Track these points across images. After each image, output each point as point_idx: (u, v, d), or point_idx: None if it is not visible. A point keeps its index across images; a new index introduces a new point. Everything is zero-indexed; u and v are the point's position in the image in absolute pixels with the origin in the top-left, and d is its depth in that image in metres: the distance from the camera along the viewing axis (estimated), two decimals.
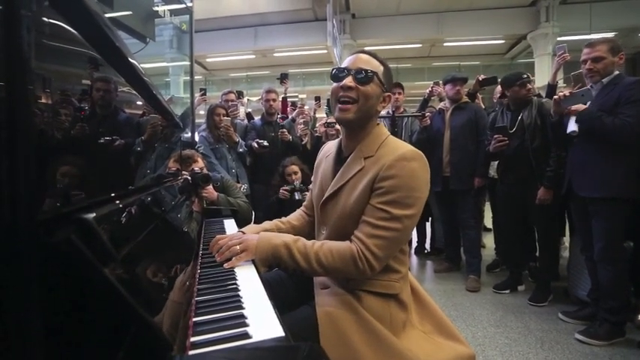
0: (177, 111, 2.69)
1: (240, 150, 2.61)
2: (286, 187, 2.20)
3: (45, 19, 0.43)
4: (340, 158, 0.94)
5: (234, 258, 0.83)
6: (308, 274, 0.86)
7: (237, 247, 0.84)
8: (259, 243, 0.84)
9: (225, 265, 0.81)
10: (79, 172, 0.55)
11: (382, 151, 0.85)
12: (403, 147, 0.85)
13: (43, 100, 0.44)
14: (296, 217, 1.13)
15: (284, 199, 2.22)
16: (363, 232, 0.81)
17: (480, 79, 2.77)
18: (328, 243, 0.84)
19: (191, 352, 0.49)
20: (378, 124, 0.92)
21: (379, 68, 0.88)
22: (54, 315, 0.37)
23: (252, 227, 1.05)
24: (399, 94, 2.96)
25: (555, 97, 1.88)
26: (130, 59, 0.71)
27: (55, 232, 0.39)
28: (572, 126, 1.77)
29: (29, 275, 0.36)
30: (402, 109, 3.03)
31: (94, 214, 0.47)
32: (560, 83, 3.49)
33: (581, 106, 1.78)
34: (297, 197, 2.18)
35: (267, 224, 1.08)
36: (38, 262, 0.37)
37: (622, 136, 1.65)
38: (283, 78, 3.13)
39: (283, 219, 1.12)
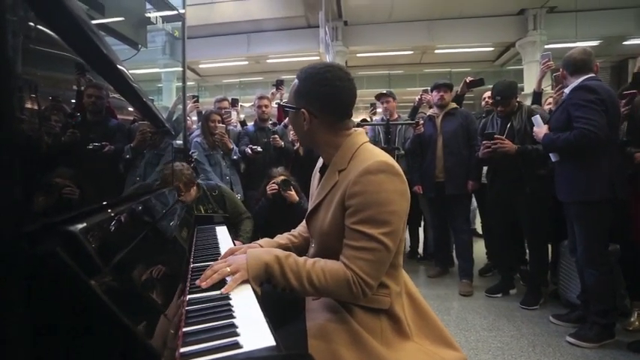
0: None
1: (235, 157, 2.61)
2: (275, 181, 2.17)
3: (32, 27, 0.42)
4: (324, 171, 0.91)
5: (230, 281, 0.74)
6: (298, 294, 0.80)
7: (227, 268, 0.76)
8: (250, 261, 0.77)
9: (223, 291, 0.71)
10: (66, 181, 0.55)
11: (353, 163, 0.81)
12: (371, 158, 0.79)
13: (29, 109, 0.43)
14: (305, 228, 1.08)
15: (274, 203, 2.19)
16: (346, 257, 0.77)
17: (468, 81, 2.81)
18: (320, 262, 0.79)
19: None
20: (350, 134, 0.86)
21: (292, 91, 0.87)
22: (40, 328, 0.36)
23: (267, 241, 1.02)
24: (387, 102, 3.01)
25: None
26: (117, 66, 0.70)
27: (41, 243, 0.39)
28: (553, 156, 1.89)
29: (15, 287, 0.35)
30: (395, 116, 3.06)
31: (82, 226, 0.46)
32: (549, 90, 3.56)
33: (541, 131, 1.89)
34: (284, 190, 2.13)
35: (281, 239, 1.05)
36: (24, 274, 0.36)
37: (587, 143, 1.67)
38: (279, 84, 3.13)
39: (294, 232, 1.09)
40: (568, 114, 1.76)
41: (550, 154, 1.90)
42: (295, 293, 0.79)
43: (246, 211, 2.19)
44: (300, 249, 1.05)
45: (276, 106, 3.05)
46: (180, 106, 2.72)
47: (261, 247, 0.99)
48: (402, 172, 0.80)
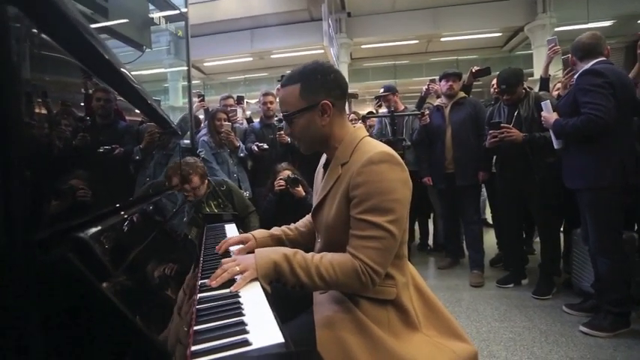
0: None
1: (241, 154, 2.63)
2: (282, 178, 2.19)
3: (34, 35, 0.43)
4: (327, 167, 0.93)
5: (239, 279, 0.76)
6: (309, 290, 0.82)
7: (236, 267, 0.78)
8: (259, 260, 0.79)
9: (232, 289, 0.73)
10: (77, 185, 0.56)
11: (355, 156, 0.83)
12: (372, 149, 0.81)
13: (38, 115, 0.44)
14: (304, 222, 1.12)
15: (282, 198, 2.21)
16: (353, 247, 0.79)
17: (474, 70, 2.76)
18: (328, 255, 0.81)
19: None
20: (349, 127, 0.89)
21: (294, 94, 0.84)
22: (53, 332, 0.38)
23: (260, 232, 1.06)
24: (387, 100, 2.99)
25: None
26: (120, 69, 0.71)
27: (54, 249, 0.40)
28: (556, 144, 1.86)
29: (28, 293, 0.37)
30: (402, 107, 3.03)
31: (92, 230, 0.48)
32: (560, 75, 3.48)
33: (551, 117, 1.85)
34: (292, 188, 2.15)
35: (275, 230, 1.08)
36: (37, 281, 0.38)
37: (593, 129, 1.65)
38: None
39: (291, 225, 1.12)
40: (575, 99, 1.74)
41: (553, 142, 1.87)
42: (305, 289, 0.81)
43: (251, 205, 2.23)
44: (295, 242, 1.07)
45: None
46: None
47: (255, 237, 1.02)
48: (403, 162, 0.83)
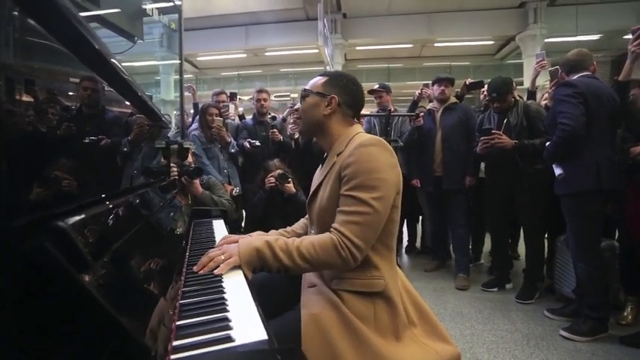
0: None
1: (232, 150, 2.60)
2: (272, 174, 2.17)
3: (23, 20, 0.42)
4: (324, 159, 1.00)
5: (223, 264, 0.79)
6: (293, 272, 0.85)
7: (222, 256, 0.81)
8: (242, 248, 0.82)
9: (216, 272, 0.77)
10: (59, 175, 0.55)
11: (349, 145, 0.90)
12: (365, 137, 0.89)
13: (19, 101, 0.43)
14: (300, 225, 1.14)
15: (272, 195, 2.19)
16: (337, 222, 0.83)
17: (467, 83, 2.79)
18: (308, 237, 0.85)
19: (173, 357, 0.48)
20: (352, 124, 0.97)
21: (319, 82, 0.98)
22: (27, 324, 0.36)
23: (258, 234, 1.06)
24: (380, 97, 2.97)
25: None
26: (110, 60, 0.70)
27: (32, 238, 0.38)
28: (557, 171, 1.88)
29: (4, 283, 0.36)
30: (392, 109, 3.04)
31: (72, 220, 0.46)
32: (547, 85, 3.55)
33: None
34: (281, 184, 2.12)
35: (272, 233, 1.10)
36: (13, 270, 0.36)
37: (567, 137, 1.73)
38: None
39: (288, 228, 1.14)
40: (554, 112, 1.82)
41: (555, 170, 1.89)
42: (290, 272, 0.84)
43: (226, 196, 2.15)
44: None
45: (275, 99, 3.03)
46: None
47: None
48: (393, 150, 0.89)
